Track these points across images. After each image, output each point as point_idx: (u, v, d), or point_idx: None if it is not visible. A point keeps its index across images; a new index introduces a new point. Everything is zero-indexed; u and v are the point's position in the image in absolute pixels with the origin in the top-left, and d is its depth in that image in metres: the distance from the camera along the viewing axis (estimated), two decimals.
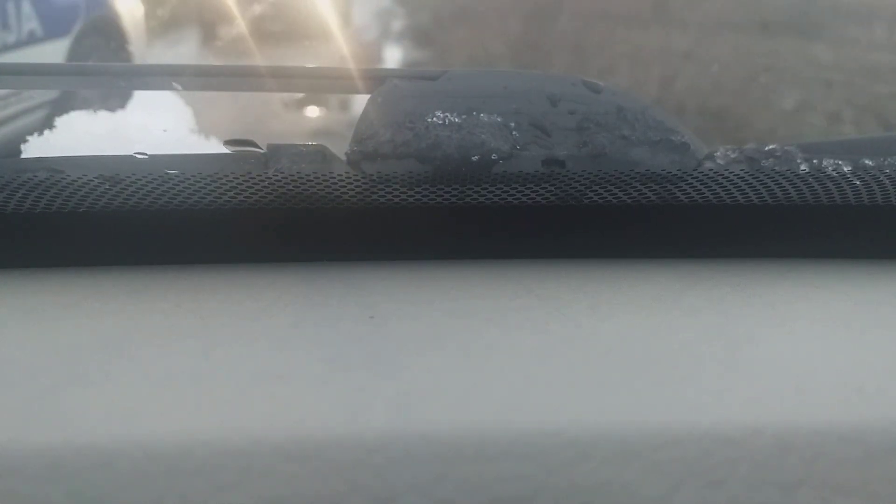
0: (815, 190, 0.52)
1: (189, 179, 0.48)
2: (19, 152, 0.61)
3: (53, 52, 2.90)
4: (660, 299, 0.51)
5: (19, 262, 0.52)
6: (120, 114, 0.68)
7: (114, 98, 0.70)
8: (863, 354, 0.45)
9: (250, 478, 0.37)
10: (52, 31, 2.95)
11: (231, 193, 0.49)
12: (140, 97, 0.75)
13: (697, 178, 0.51)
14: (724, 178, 0.51)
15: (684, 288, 0.52)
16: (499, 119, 0.50)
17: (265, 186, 0.48)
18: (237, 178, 0.48)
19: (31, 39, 2.81)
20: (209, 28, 5.37)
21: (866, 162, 0.52)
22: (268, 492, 0.37)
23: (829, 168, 0.52)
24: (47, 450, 0.37)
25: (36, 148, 0.62)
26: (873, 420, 0.40)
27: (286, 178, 0.48)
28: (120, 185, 0.48)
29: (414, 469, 0.37)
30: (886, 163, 0.52)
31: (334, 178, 0.49)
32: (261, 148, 0.50)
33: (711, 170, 0.51)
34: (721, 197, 0.52)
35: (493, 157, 0.49)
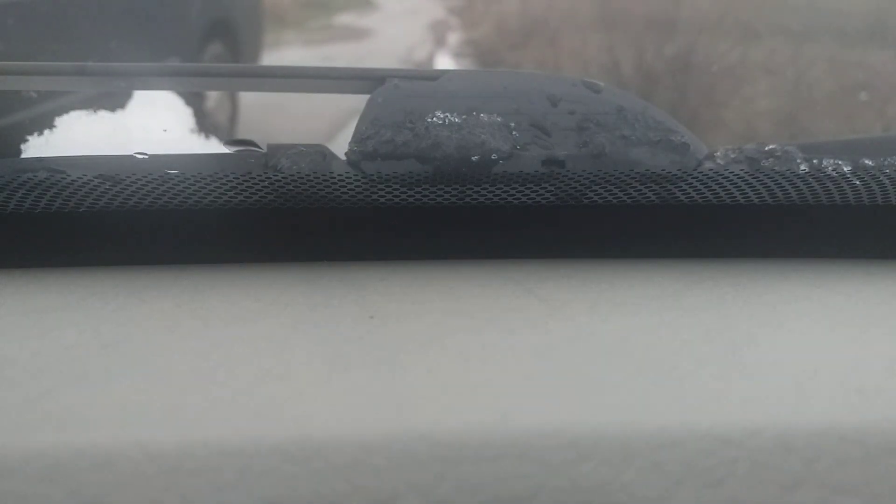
0: (815, 190, 0.52)
1: (189, 179, 0.48)
2: (19, 152, 0.61)
3: None
4: (660, 299, 0.51)
5: (19, 262, 0.52)
6: (120, 114, 0.68)
7: (114, 98, 0.70)
8: (863, 354, 0.45)
9: (250, 478, 0.37)
10: None
11: (231, 193, 0.49)
12: (140, 97, 0.75)
13: (697, 178, 0.51)
14: (724, 178, 0.51)
15: (684, 288, 0.52)
16: (499, 119, 0.50)
17: (265, 186, 0.49)
18: (237, 178, 0.48)
19: None
20: None
21: (866, 162, 0.52)
22: (268, 492, 0.37)
23: (829, 168, 0.52)
24: (47, 450, 0.37)
25: (36, 148, 0.62)
26: (873, 420, 0.40)
27: (286, 178, 0.48)
28: (120, 185, 0.48)
29: (414, 469, 0.37)
30: (886, 163, 0.52)
31: (334, 178, 0.49)
32: (261, 148, 0.50)
33: (711, 170, 0.51)
34: (721, 197, 0.52)
35: (493, 157, 0.49)
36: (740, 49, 4.60)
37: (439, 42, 8.09)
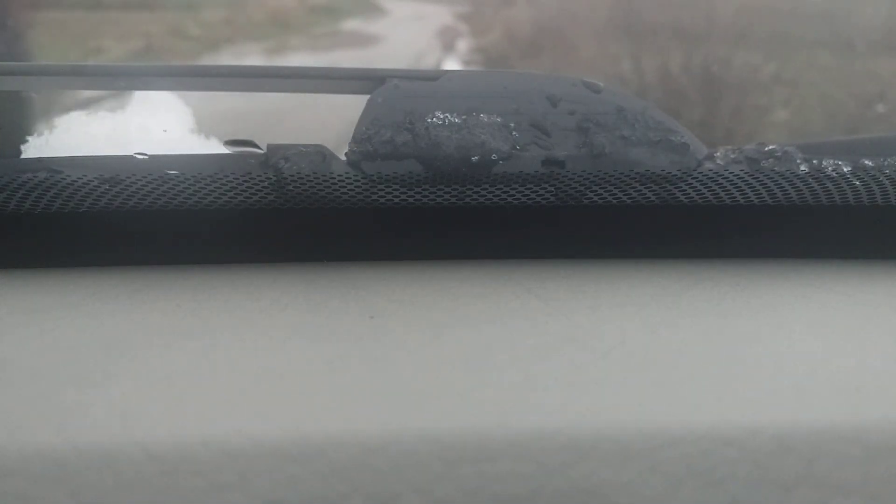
0: (815, 190, 0.52)
1: (189, 179, 0.48)
2: (19, 152, 0.62)
3: None
4: (660, 299, 0.51)
5: (19, 262, 0.52)
6: (120, 114, 0.68)
7: (114, 98, 0.70)
8: (863, 354, 0.45)
9: (250, 478, 0.37)
10: None
11: (231, 193, 0.49)
12: (140, 97, 0.75)
13: (697, 178, 0.51)
14: (724, 178, 0.51)
15: (684, 288, 0.52)
16: (499, 119, 0.50)
17: (265, 186, 0.49)
18: (237, 178, 0.48)
19: None
20: None
21: (866, 162, 0.52)
22: (268, 492, 0.37)
23: (829, 168, 0.52)
24: (48, 450, 0.37)
25: (36, 148, 0.62)
26: (873, 420, 0.40)
27: (286, 178, 0.48)
28: (120, 186, 0.48)
29: (414, 469, 0.37)
30: (886, 163, 0.52)
31: (334, 178, 0.49)
32: (261, 148, 0.50)
33: (711, 170, 0.51)
34: (721, 197, 0.52)
35: (493, 157, 0.49)
36: (750, 58, 4.61)
37: (447, 49, 8.08)
